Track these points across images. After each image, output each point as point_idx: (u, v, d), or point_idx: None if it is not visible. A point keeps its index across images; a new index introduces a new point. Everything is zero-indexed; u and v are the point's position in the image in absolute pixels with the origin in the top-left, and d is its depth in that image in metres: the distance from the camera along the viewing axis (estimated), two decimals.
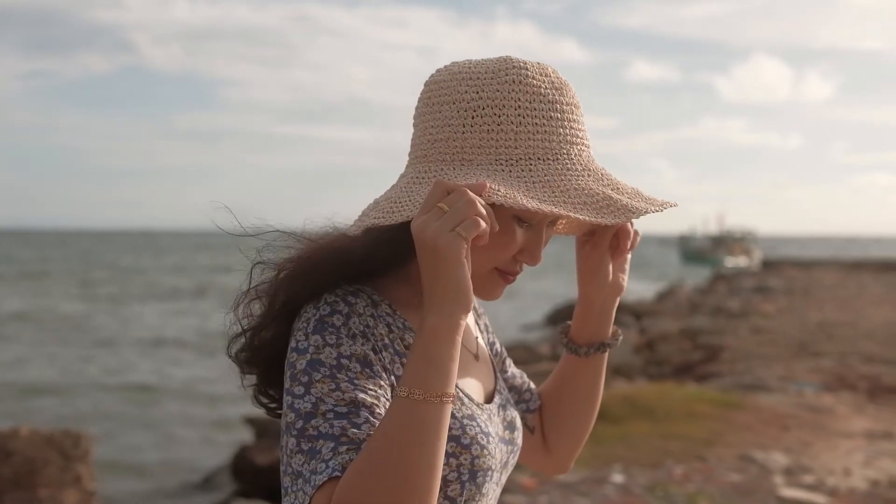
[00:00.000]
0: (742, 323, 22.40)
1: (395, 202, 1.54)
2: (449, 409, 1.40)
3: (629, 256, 1.83)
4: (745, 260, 72.92)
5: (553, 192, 1.49)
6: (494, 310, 38.87)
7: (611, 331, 1.87)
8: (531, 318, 33.89)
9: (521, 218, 1.55)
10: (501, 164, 1.51)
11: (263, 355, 1.62)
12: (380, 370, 1.50)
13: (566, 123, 1.55)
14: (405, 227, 1.52)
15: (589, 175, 1.54)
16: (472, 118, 1.52)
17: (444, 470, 1.50)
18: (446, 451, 1.50)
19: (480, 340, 1.81)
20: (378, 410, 1.45)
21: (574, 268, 1.83)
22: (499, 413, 1.68)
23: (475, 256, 1.52)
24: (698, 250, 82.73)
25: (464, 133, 1.52)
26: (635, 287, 51.55)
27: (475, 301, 1.84)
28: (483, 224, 1.40)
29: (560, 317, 30.34)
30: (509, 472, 1.70)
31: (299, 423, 1.43)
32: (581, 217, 1.47)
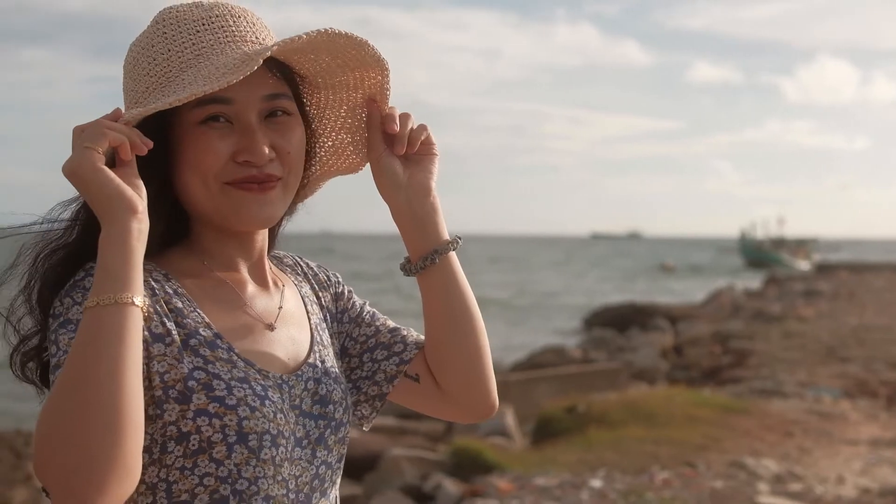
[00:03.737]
0: (776, 327, 22.09)
1: None
2: (130, 312, 1.38)
3: (435, 158, 1.76)
4: (805, 263, 72.10)
5: (181, 84, 1.54)
6: (532, 313, 38.92)
7: (444, 237, 1.76)
8: (570, 325, 33.71)
9: (209, 118, 1.56)
10: (150, 92, 1.58)
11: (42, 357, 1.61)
12: None
13: (185, 38, 1.59)
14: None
15: (228, 54, 1.57)
16: (131, 70, 1.63)
17: (207, 431, 1.50)
18: (208, 411, 1.50)
19: (311, 316, 1.77)
20: None
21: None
22: (304, 385, 1.65)
23: (191, 179, 1.57)
24: (761, 251, 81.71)
25: (128, 86, 1.63)
26: (683, 289, 51.17)
27: (325, 275, 1.86)
28: (112, 133, 1.44)
29: (596, 320, 30.25)
30: (332, 448, 1.66)
31: (51, 376, 1.46)
32: (201, 88, 1.49)
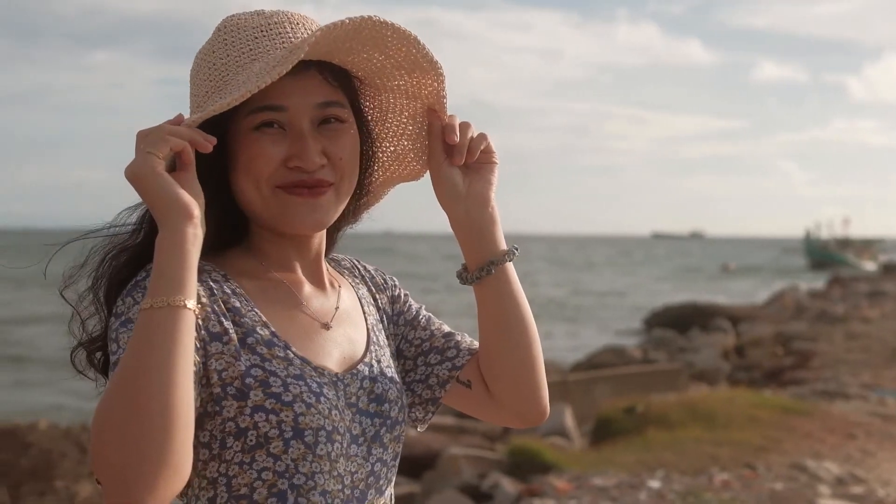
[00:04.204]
0: (840, 328, 21.79)
1: None
2: (183, 315, 1.42)
3: (495, 167, 1.78)
4: (871, 264, 70.92)
5: (235, 86, 1.58)
6: (592, 313, 38.65)
7: (501, 248, 1.77)
8: (630, 325, 33.50)
9: (263, 124, 1.60)
10: (209, 97, 1.63)
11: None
12: None
13: (243, 44, 1.63)
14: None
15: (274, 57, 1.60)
16: (193, 77, 1.68)
17: (264, 426, 1.54)
18: (265, 407, 1.54)
19: (367, 317, 1.81)
20: None
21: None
22: (360, 384, 1.68)
23: (244, 183, 1.62)
24: (826, 252, 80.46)
25: (191, 92, 1.68)
26: (745, 290, 50.60)
27: (382, 278, 1.90)
28: (173, 139, 1.48)
29: (656, 321, 30.01)
30: (388, 446, 1.70)
31: (110, 374, 1.49)
32: (250, 87, 1.52)
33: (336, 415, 1.61)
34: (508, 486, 8.32)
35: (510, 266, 1.78)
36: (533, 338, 1.80)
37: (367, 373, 1.71)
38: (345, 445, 1.62)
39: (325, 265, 1.79)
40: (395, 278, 1.94)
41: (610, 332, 31.46)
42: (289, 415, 1.55)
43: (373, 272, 1.92)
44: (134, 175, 1.46)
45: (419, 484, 9.32)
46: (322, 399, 1.59)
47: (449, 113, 1.75)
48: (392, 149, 1.82)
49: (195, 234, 1.46)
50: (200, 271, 1.59)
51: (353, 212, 1.81)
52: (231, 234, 1.70)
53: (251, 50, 1.62)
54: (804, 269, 77.63)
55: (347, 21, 1.56)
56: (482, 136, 1.76)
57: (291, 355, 1.61)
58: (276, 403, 1.55)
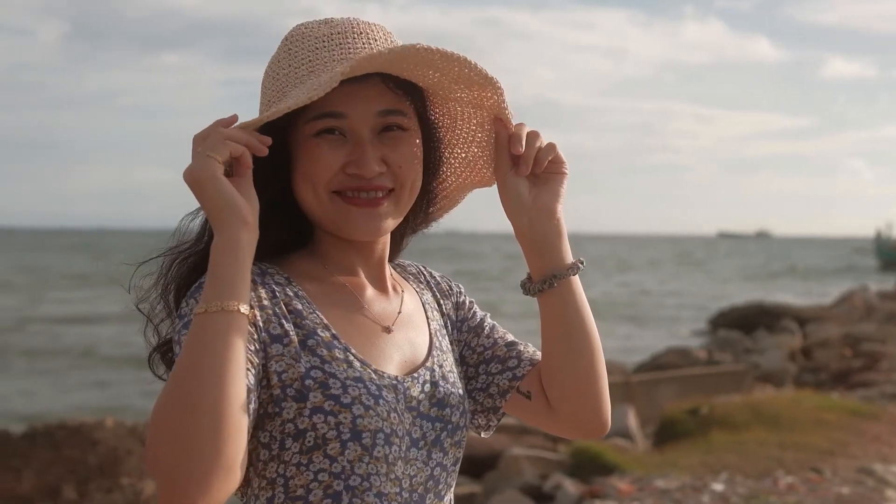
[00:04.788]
0: None
1: None
2: (236, 319, 1.44)
3: (563, 178, 1.75)
4: None
5: (288, 99, 1.60)
6: (656, 313, 38.30)
7: (565, 261, 1.75)
8: (695, 325, 33.17)
9: (324, 130, 1.62)
10: (269, 106, 1.67)
11: None
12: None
13: (303, 55, 1.66)
14: None
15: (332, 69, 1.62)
16: (262, 86, 1.72)
17: (322, 428, 1.56)
18: (323, 409, 1.56)
19: (430, 322, 1.81)
20: None
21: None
22: (421, 388, 1.69)
23: (304, 189, 1.64)
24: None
25: (260, 102, 1.71)
26: (813, 290, 49.85)
27: (447, 284, 1.91)
28: (233, 144, 1.49)
29: (722, 321, 29.66)
30: (448, 451, 1.71)
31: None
32: (301, 98, 1.54)
33: (395, 418, 1.62)
34: (570, 487, 8.29)
35: (575, 280, 1.75)
36: (595, 352, 1.77)
37: (428, 377, 1.72)
38: (403, 449, 1.63)
39: (388, 270, 1.80)
40: (460, 285, 1.94)
41: (675, 332, 31.18)
42: (347, 416, 1.57)
43: (438, 278, 1.92)
44: (193, 178, 1.48)
45: (480, 484, 9.31)
46: (381, 402, 1.60)
47: (517, 120, 1.74)
48: (463, 155, 1.82)
49: (249, 240, 1.48)
50: (264, 274, 1.64)
51: (424, 217, 1.83)
52: (295, 237, 1.73)
53: (310, 62, 1.64)
54: (874, 270, 76.22)
55: (387, 52, 1.56)
56: (551, 147, 1.73)
57: (351, 358, 1.63)
58: (334, 405, 1.57)
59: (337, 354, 1.61)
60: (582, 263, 1.76)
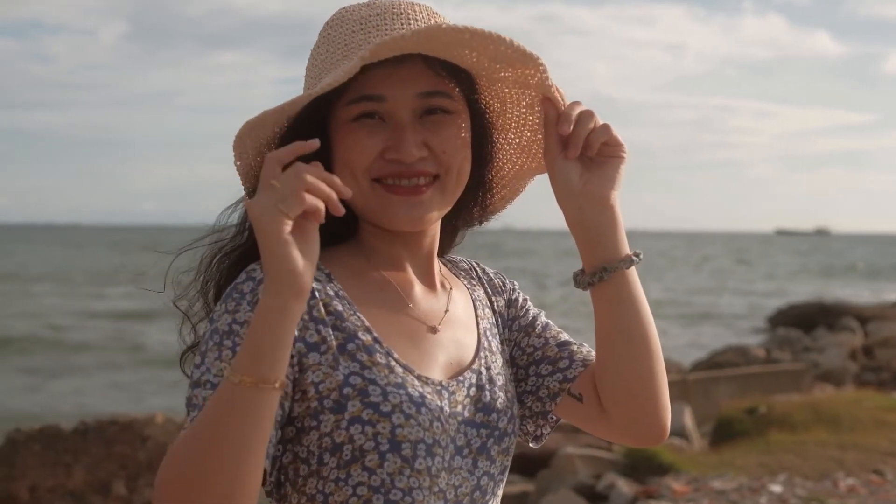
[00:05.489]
0: None
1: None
2: (268, 396, 1.33)
3: (620, 162, 1.60)
4: None
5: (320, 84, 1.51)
6: (714, 311, 37.99)
7: (619, 253, 1.61)
8: (754, 323, 32.82)
9: (362, 115, 1.54)
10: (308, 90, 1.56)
11: None
12: None
13: (340, 40, 1.58)
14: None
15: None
16: (306, 71, 1.65)
17: (360, 439, 1.47)
18: (361, 418, 1.47)
19: (480, 321, 1.72)
20: None
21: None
22: (467, 392, 1.60)
23: (343, 176, 1.53)
24: None
25: (304, 85, 1.64)
26: (875, 288, 49.11)
27: (501, 281, 1.81)
28: (311, 199, 1.31)
29: (781, 319, 29.33)
30: (496, 459, 1.61)
31: (188, 392, 1.47)
32: (323, 86, 1.47)
33: (438, 427, 1.53)
34: (624, 487, 8.18)
35: (630, 273, 1.62)
36: (651, 352, 1.64)
37: (474, 380, 1.62)
38: (447, 459, 1.54)
39: (437, 265, 1.71)
40: (515, 282, 1.84)
41: (733, 330, 30.89)
42: (386, 426, 1.48)
43: (491, 275, 1.82)
44: (258, 225, 1.32)
45: (533, 483, 9.25)
46: (423, 410, 1.51)
47: (572, 100, 1.62)
48: (517, 140, 1.71)
49: (300, 309, 1.35)
50: None
51: (482, 209, 1.74)
52: (340, 229, 1.63)
53: (346, 45, 1.57)
54: None
55: (410, 33, 1.46)
56: (605, 128, 1.59)
57: (393, 362, 1.54)
58: (373, 414, 1.48)
59: (378, 359, 1.52)
60: (638, 256, 1.63)
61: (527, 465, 9.37)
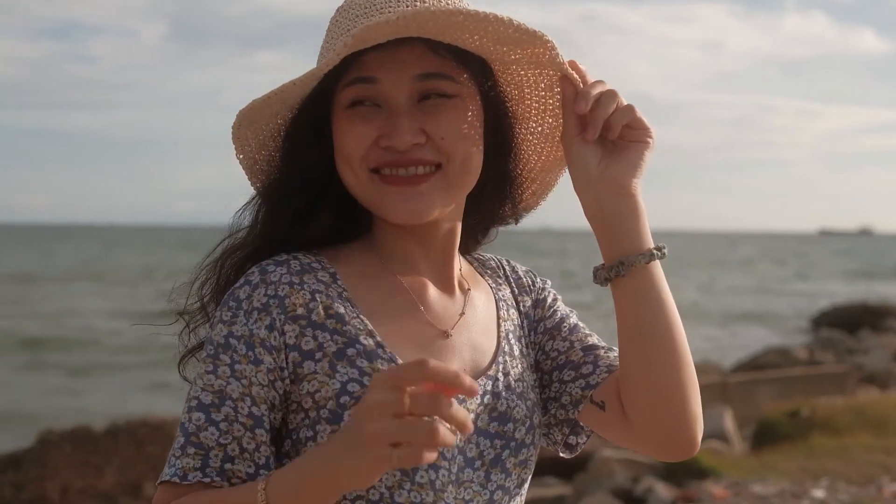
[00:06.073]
0: None
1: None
2: None
3: (644, 147, 1.48)
4: None
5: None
6: (755, 312, 37.66)
7: (639, 246, 1.47)
8: (796, 324, 32.51)
9: (358, 101, 1.45)
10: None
11: None
12: (263, 353, 1.41)
13: (342, 25, 1.49)
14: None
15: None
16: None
17: None
18: None
19: (502, 323, 1.60)
20: (242, 405, 1.39)
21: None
22: (481, 400, 1.49)
23: (341, 167, 1.47)
24: None
25: None
26: None
27: (530, 280, 1.69)
28: (427, 458, 1.16)
29: (824, 320, 29.08)
30: (511, 471, 1.50)
31: (184, 406, 1.43)
32: (325, 64, 1.39)
33: (456, 440, 1.40)
34: (662, 490, 8.07)
35: (651, 268, 1.48)
36: (676, 357, 1.49)
37: (489, 387, 1.51)
38: (455, 471, 1.44)
39: (456, 264, 1.59)
40: (547, 280, 1.71)
41: (775, 331, 30.60)
42: None
43: (521, 273, 1.70)
44: (363, 445, 1.19)
45: (571, 486, 9.16)
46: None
47: (594, 79, 1.49)
48: (539, 128, 1.59)
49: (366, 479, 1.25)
50: (304, 272, 1.46)
51: (512, 206, 1.61)
52: (352, 226, 1.55)
53: (347, 31, 1.46)
54: None
55: (395, 18, 1.36)
56: (628, 108, 1.47)
57: None
58: None
59: (380, 366, 1.42)
60: (660, 251, 1.49)
61: (564, 468, 9.27)
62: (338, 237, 1.55)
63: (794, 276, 65.47)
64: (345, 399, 1.39)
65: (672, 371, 1.49)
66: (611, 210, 1.48)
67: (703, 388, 1.57)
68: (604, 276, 1.50)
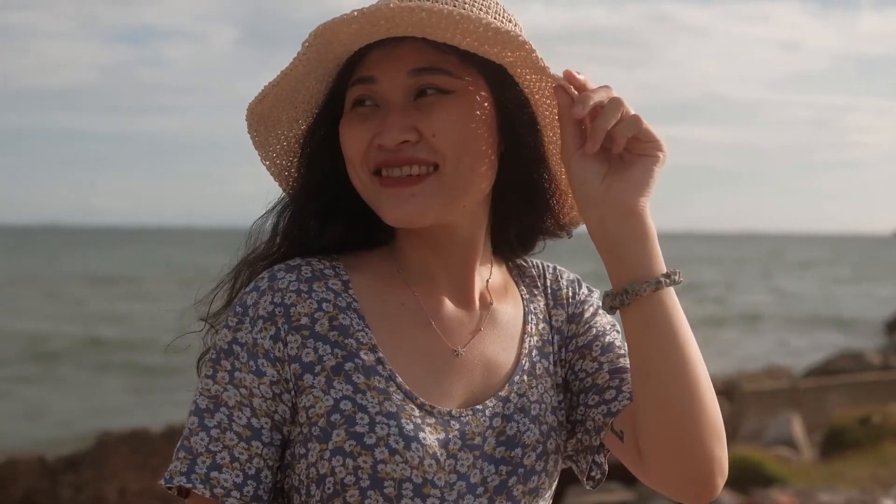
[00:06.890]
0: None
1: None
2: None
3: (653, 161, 1.35)
4: None
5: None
6: (828, 315, 37.17)
7: (647, 272, 1.36)
8: (870, 328, 31.98)
9: (357, 102, 1.40)
10: None
11: None
12: (266, 364, 1.37)
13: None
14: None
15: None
16: None
17: (341, 472, 1.33)
18: (343, 450, 1.33)
19: (527, 339, 1.51)
20: (237, 415, 1.35)
21: None
22: (489, 422, 1.41)
23: (349, 171, 1.43)
24: None
25: None
26: None
27: (573, 290, 1.58)
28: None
29: None
30: (519, 500, 1.41)
31: (189, 413, 1.40)
32: (302, 60, 1.38)
33: (430, 465, 1.34)
34: (727, 498, 7.97)
35: (661, 296, 1.36)
36: (691, 396, 1.36)
37: (499, 409, 1.42)
38: (451, 499, 1.35)
39: (482, 274, 1.50)
40: (595, 292, 1.58)
41: (848, 335, 30.13)
42: (367, 461, 1.32)
43: (563, 283, 1.58)
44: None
45: (633, 491, 9.11)
46: (413, 445, 1.33)
47: (598, 86, 1.37)
48: (556, 138, 1.46)
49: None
50: (318, 278, 1.41)
51: (553, 219, 1.51)
52: (372, 234, 1.48)
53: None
54: None
55: (356, 14, 1.30)
56: (634, 119, 1.34)
57: (394, 388, 1.36)
58: (355, 446, 1.32)
59: (376, 383, 1.35)
60: (671, 277, 1.36)
61: (627, 472, 9.03)
62: (364, 243, 1.49)
63: (867, 279, 64.44)
64: (335, 417, 1.33)
65: (685, 412, 1.36)
66: (616, 231, 1.35)
67: (772, 394, 1.46)
68: (608, 304, 1.38)
